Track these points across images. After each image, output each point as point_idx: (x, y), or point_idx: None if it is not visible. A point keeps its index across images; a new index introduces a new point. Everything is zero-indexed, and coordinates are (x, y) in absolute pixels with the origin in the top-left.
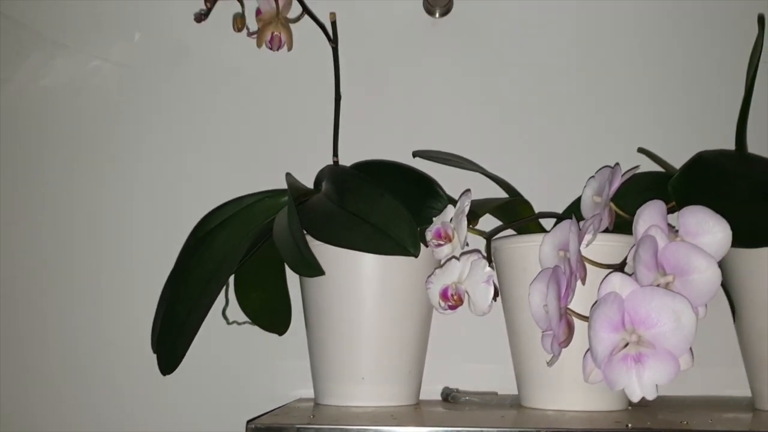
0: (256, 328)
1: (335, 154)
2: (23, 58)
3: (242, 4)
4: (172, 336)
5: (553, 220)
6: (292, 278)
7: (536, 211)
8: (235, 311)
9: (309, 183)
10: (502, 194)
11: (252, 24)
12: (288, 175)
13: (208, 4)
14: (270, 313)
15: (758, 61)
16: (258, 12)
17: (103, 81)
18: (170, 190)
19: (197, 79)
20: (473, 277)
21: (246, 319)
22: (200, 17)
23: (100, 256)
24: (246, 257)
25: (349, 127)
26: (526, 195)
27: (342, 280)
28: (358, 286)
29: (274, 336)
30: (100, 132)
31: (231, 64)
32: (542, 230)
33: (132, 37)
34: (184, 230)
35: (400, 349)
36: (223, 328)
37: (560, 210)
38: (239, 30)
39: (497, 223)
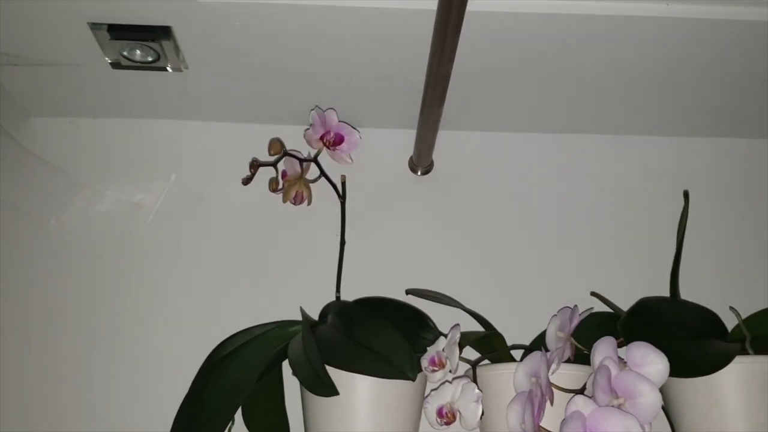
0: None
1: (338, 290)
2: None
3: (276, 170)
4: None
5: (522, 350)
6: (289, 399)
7: (507, 341)
8: (240, 429)
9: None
10: (478, 327)
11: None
12: (302, 309)
13: (253, 170)
14: (271, 431)
15: (685, 226)
16: (284, 174)
17: (144, 213)
18: (185, 318)
19: (219, 220)
20: (465, 397)
21: None
22: (246, 181)
23: (118, 371)
24: (258, 380)
25: (347, 266)
26: (498, 327)
27: (340, 401)
28: (354, 406)
29: None
30: (131, 260)
31: (246, 209)
32: (512, 359)
33: (169, 178)
34: (197, 355)
35: None
36: None
37: (527, 341)
38: (274, 190)
39: (475, 352)
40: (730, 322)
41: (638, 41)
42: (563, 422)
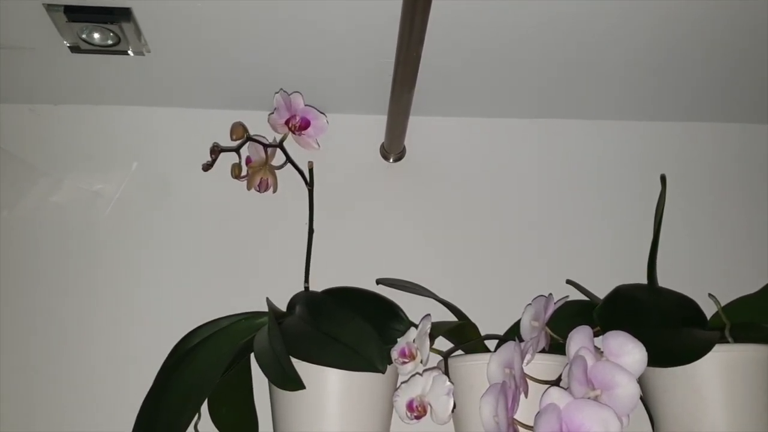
0: None
1: (306, 280)
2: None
3: (239, 156)
4: None
5: (496, 341)
6: (257, 393)
7: (481, 332)
8: (206, 424)
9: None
10: (451, 317)
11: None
12: (268, 300)
13: (213, 156)
14: (239, 426)
15: (662, 211)
16: (248, 160)
17: (104, 203)
18: (148, 310)
19: (182, 208)
20: (435, 390)
21: None
22: (207, 167)
23: (86, 363)
24: (225, 373)
25: (316, 255)
26: (472, 316)
27: (308, 395)
28: (323, 400)
29: None
30: (90, 252)
31: (211, 197)
32: (486, 349)
33: (130, 166)
34: (162, 347)
35: None
36: None
37: (501, 331)
38: (236, 177)
39: (447, 342)
40: (709, 310)
41: (619, 23)
42: (538, 415)
